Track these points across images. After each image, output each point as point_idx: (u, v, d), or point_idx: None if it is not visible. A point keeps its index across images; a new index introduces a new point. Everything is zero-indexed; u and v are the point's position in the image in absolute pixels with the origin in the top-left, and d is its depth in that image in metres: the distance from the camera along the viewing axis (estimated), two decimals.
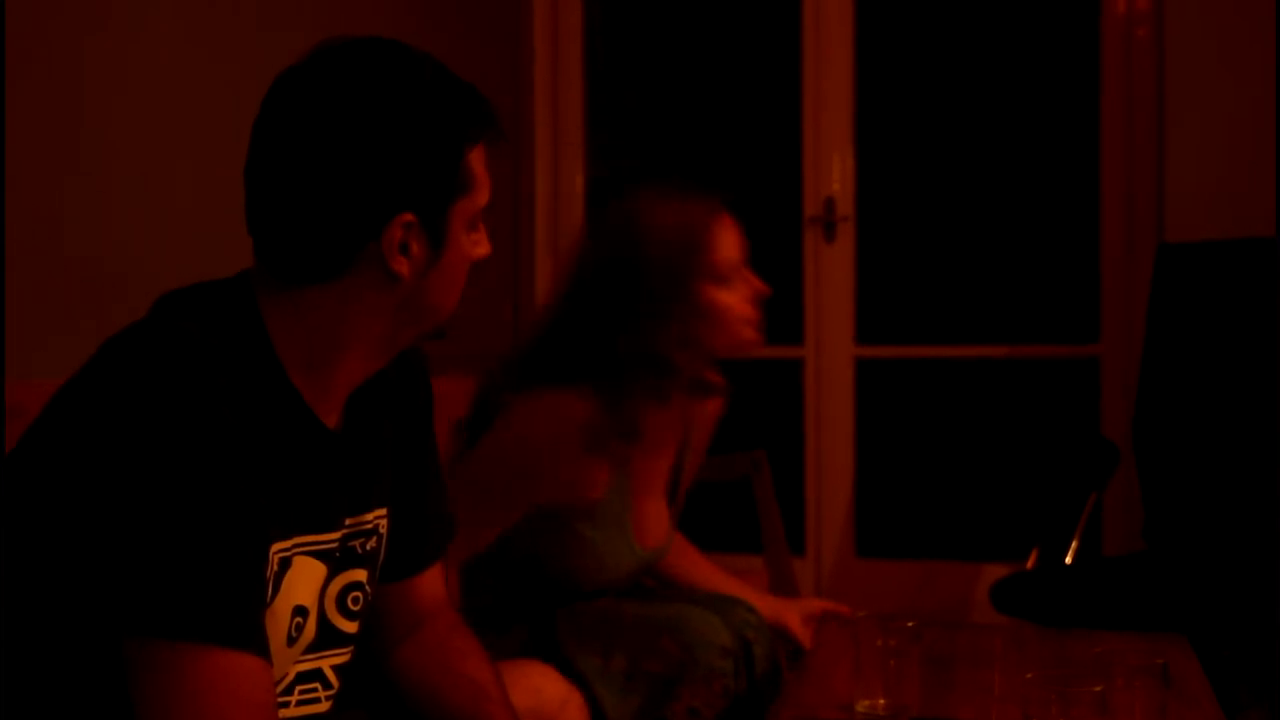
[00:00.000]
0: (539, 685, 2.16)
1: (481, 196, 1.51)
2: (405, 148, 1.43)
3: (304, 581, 1.52)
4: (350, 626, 1.63)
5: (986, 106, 4.44)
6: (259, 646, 1.37)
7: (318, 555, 1.54)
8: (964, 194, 4.50)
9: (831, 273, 4.49)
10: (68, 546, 1.34)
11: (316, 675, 1.60)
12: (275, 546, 1.47)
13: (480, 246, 1.55)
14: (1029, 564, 3.54)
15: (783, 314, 4.52)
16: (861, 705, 1.98)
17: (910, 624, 1.95)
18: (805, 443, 4.53)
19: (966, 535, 4.44)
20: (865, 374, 4.50)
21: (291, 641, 1.52)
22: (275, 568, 1.46)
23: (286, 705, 1.56)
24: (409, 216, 1.45)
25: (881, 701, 1.96)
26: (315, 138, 1.43)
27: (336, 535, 1.57)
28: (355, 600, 1.62)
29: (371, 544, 1.64)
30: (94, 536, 1.32)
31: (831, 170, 4.49)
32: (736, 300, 2.36)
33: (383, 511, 1.66)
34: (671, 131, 4.86)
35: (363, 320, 1.49)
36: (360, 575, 1.63)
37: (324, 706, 1.62)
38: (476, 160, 1.49)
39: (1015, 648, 2.40)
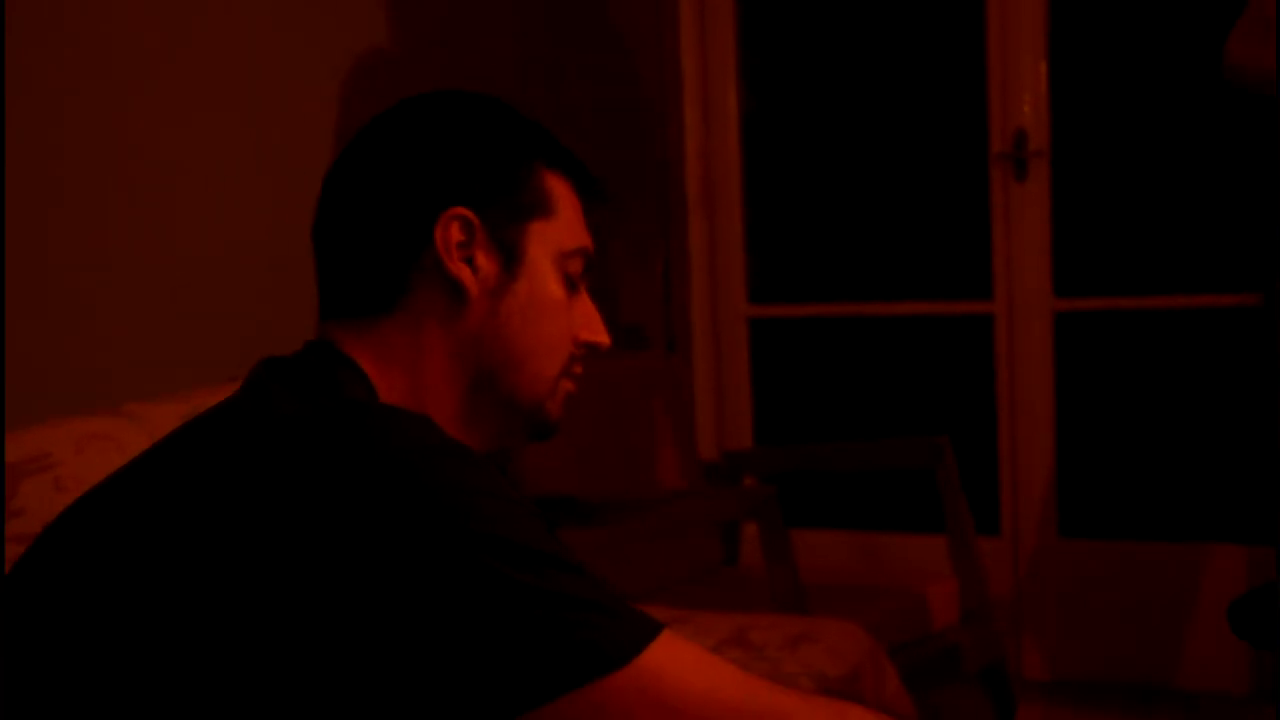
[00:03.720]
0: None
1: (570, 233, 1.46)
2: (461, 144, 1.43)
3: None
4: None
5: (1191, 21, 4.07)
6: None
7: None
8: (1171, 122, 4.20)
9: (1024, 216, 4.24)
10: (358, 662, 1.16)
11: None
12: None
13: (585, 318, 1.49)
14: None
15: (969, 264, 4.36)
16: None
17: None
18: (998, 409, 4.32)
19: (1186, 511, 4.19)
20: (1066, 330, 4.27)
21: None
22: None
23: None
24: (464, 211, 1.40)
25: None
26: (372, 151, 1.45)
27: None
28: None
29: None
30: (430, 620, 1.16)
31: (1022, 97, 4.23)
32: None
33: None
34: (835, 54, 4.62)
35: (439, 357, 1.41)
36: None
37: None
38: (557, 186, 1.46)
39: None
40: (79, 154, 2.75)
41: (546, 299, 1.43)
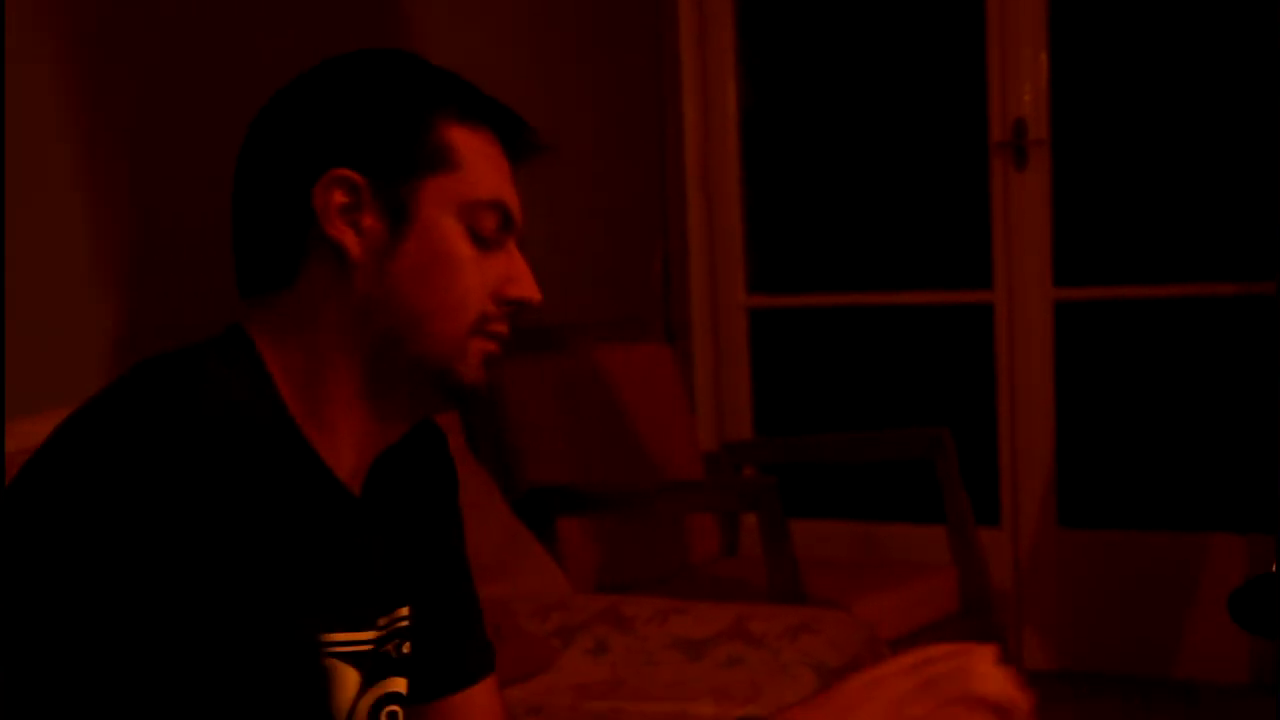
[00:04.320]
0: None
1: (478, 186, 1.36)
2: (345, 102, 1.35)
3: (337, 693, 1.34)
4: None
5: (1191, 8, 4.12)
6: None
7: (351, 660, 1.35)
8: (1170, 110, 4.20)
9: (1023, 205, 4.24)
10: (57, 671, 1.15)
11: None
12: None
13: (506, 273, 1.38)
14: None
15: (969, 254, 4.36)
16: None
17: None
18: (997, 398, 4.33)
19: (1187, 501, 4.20)
20: (1066, 319, 4.27)
21: None
22: None
23: None
24: (347, 173, 1.32)
25: None
26: (262, 119, 1.37)
27: (371, 635, 1.37)
28: (393, 718, 1.43)
29: (406, 647, 1.45)
30: (96, 657, 1.14)
31: (1022, 86, 4.23)
32: None
33: (405, 613, 1.45)
34: (834, 44, 4.62)
35: (333, 329, 1.34)
36: (399, 685, 1.44)
37: None
38: (463, 139, 1.36)
39: None
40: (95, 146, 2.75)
41: (444, 256, 1.34)
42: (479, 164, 1.36)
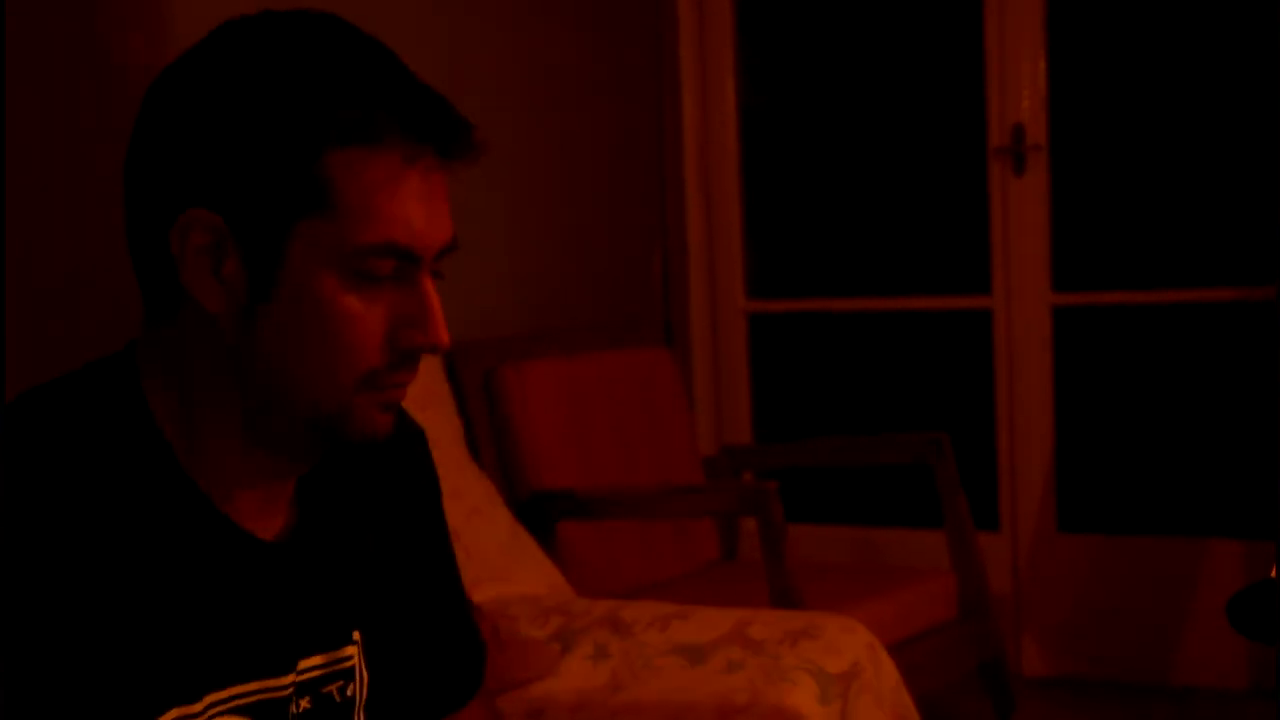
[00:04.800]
0: None
1: (367, 226, 1.16)
2: (210, 125, 1.16)
3: None
4: None
5: (1190, 13, 4.12)
6: None
7: (262, 709, 1.24)
8: (1169, 115, 4.19)
9: (1022, 210, 4.25)
10: None
11: None
12: (208, 699, 1.19)
13: (408, 317, 1.20)
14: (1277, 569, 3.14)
15: (968, 259, 4.37)
16: None
17: None
18: (996, 404, 4.32)
19: (1187, 506, 4.19)
20: (1064, 324, 4.27)
21: None
22: None
23: None
24: (204, 214, 1.15)
25: None
26: (137, 129, 1.21)
27: (288, 680, 1.26)
28: None
29: (351, 689, 1.32)
30: None
31: (1020, 92, 4.23)
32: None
33: (356, 639, 1.34)
34: (833, 49, 4.62)
35: (206, 375, 1.20)
36: None
37: None
38: (345, 171, 1.16)
39: None
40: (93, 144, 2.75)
41: (319, 314, 1.16)
42: (367, 200, 1.16)
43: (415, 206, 1.17)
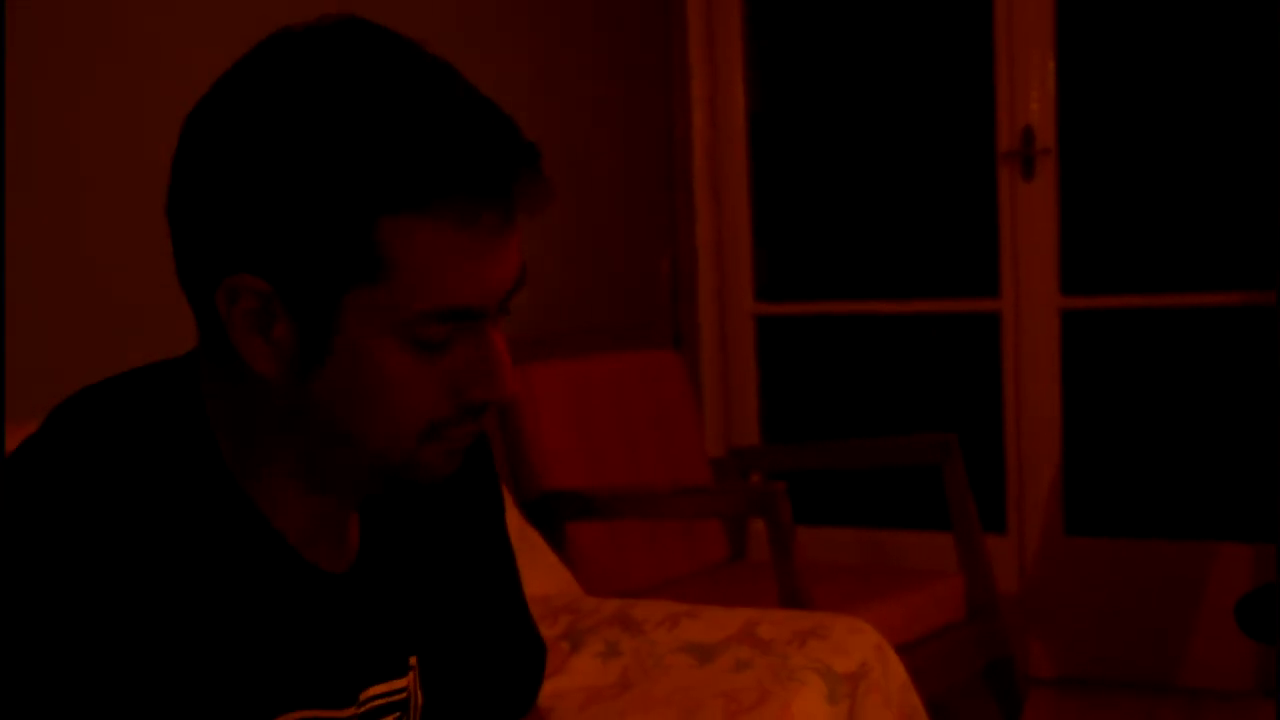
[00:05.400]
0: None
1: (422, 292, 1.10)
2: (251, 187, 1.08)
3: None
4: None
5: (1199, 18, 4.10)
6: None
7: None
8: (1179, 119, 4.19)
9: (1031, 214, 4.25)
10: None
11: None
12: None
13: (470, 375, 1.15)
14: None
15: (976, 262, 4.38)
16: None
17: None
18: (1004, 407, 4.33)
19: (1193, 510, 4.19)
20: (1072, 328, 4.27)
21: None
22: None
23: None
24: (250, 280, 1.10)
25: None
26: (180, 169, 1.14)
27: (348, 712, 1.23)
28: None
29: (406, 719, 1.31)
30: None
31: (1029, 95, 4.23)
32: None
33: (413, 664, 1.31)
34: (843, 52, 4.62)
35: (263, 420, 1.16)
36: None
37: None
38: (400, 238, 1.08)
39: None
40: (93, 150, 2.77)
41: (378, 376, 1.11)
42: (423, 268, 1.09)
43: (476, 267, 1.11)
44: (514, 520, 3.18)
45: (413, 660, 1.30)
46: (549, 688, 2.53)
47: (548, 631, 2.72)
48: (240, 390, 1.15)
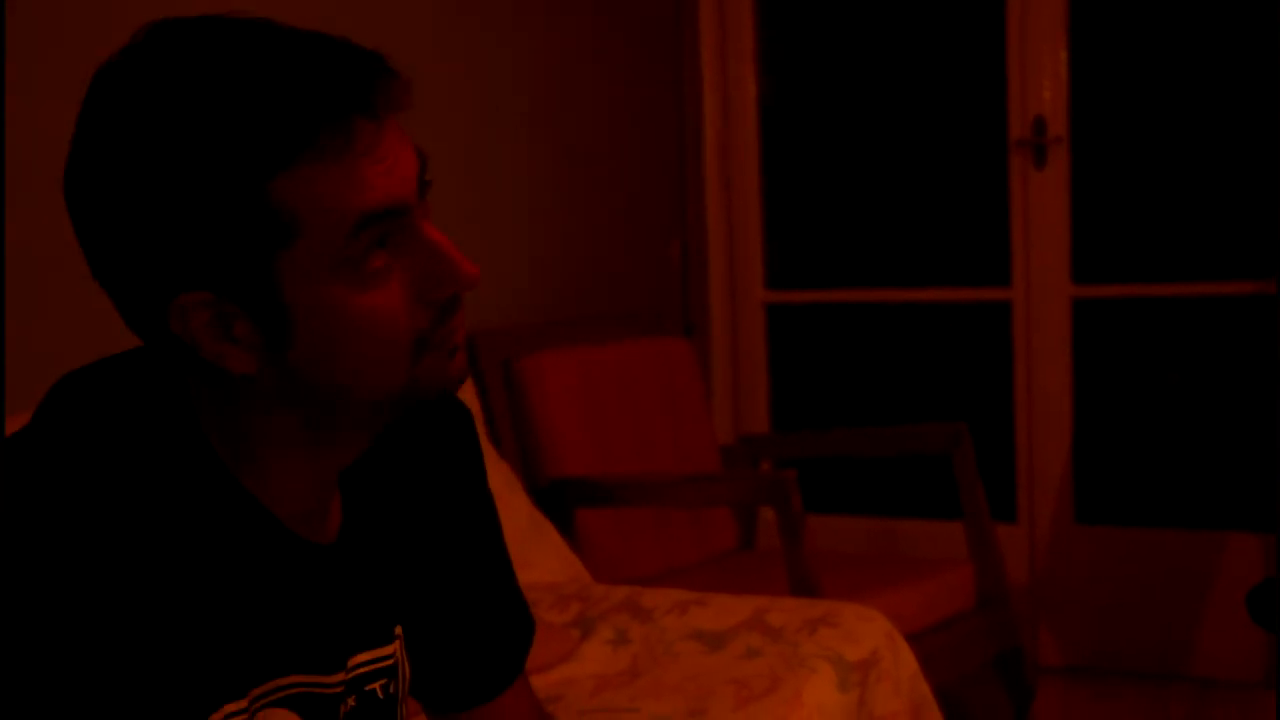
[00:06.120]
0: None
1: (337, 228, 1.10)
2: (139, 212, 1.09)
3: None
4: None
5: (1211, 6, 4.08)
6: None
7: (309, 704, 1.23)
8: (1191, 108, 4.18)
9: (1042, 203, 4.24)
10: None
11: None
12: (253, 692, 1.18)
13: (425, 275, 1.15)
14: None
15: (987, 251, 4.37)
16: None
17: None
18: (1015, 395, 4.33)
19: (1203, 499, 4.18)
20: (1084, 316, 4.26)
21: None
22: None
23: None
24: (192, 296, 1.11)
25: None
26: (75, 206, 1.13)
27: (338, 677, 1.25)
28: None
29: (394, 686, 1.32)
30: None
31: (1041, 84, 4.22)
32: None
33: (398, 634, 1.33)
34: (854, 40, 4.62)
35: (252, 403, 1.16)
36: None
37: None
38: (296, 191, 1.09)
39: None
40: None
41: (345, 324, 1.12)
42: (326, 205, 1.10)
43: (368, 178, 1.10)
44: (524, 507, 3.18)
45: (398, 630, 1.32)
46: (559, 674, 2.53)
47: (558, 618, 2.72)
48: (224, 386, 1.16)
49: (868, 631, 2.60)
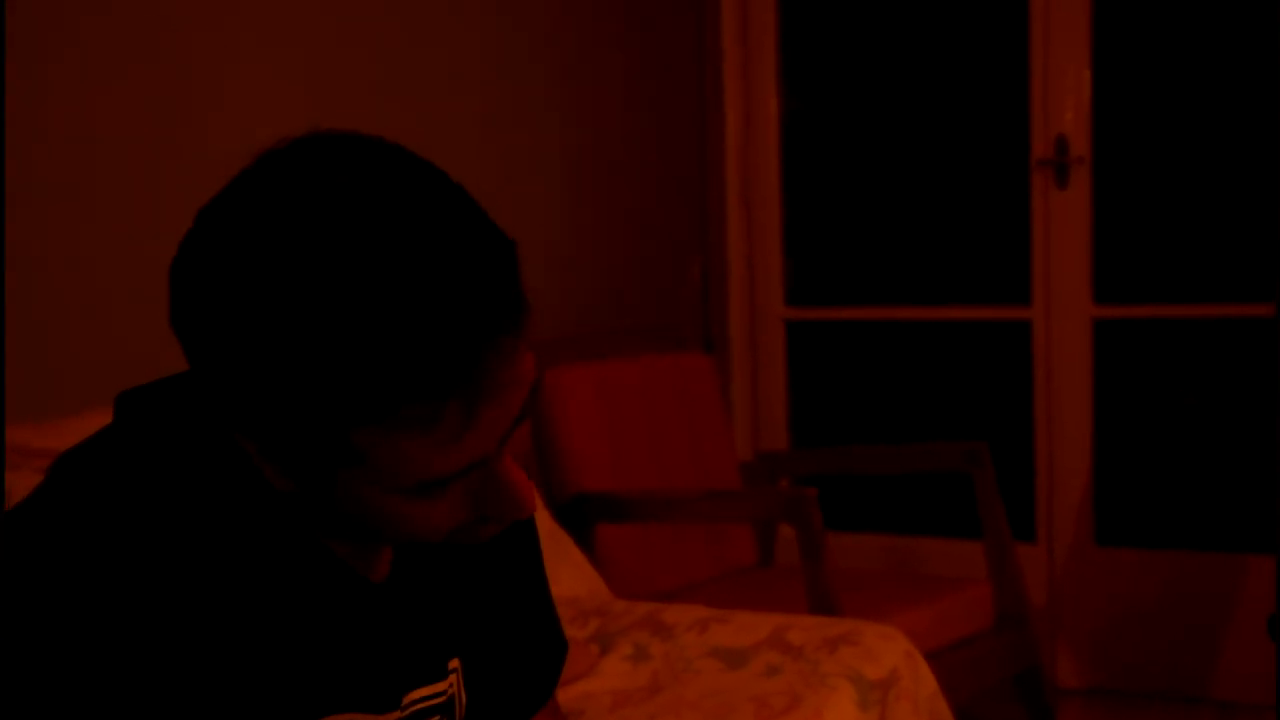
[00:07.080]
0: None
1: (405, 476, 1.08)
2: (240, 380, 1.06)
3: None
4: None
5: (1234, 28, 4.05)
6: None
7: None
8: (1213, 129, 4.17)
9: (1064, 222, 4.23)
10: None
11: None
12: None
13: (481, 499, 1.13)
14: None
15: (1008, 270, 4.36)
16: None
17: None
18: (1035, 415, 4.31)
19: (1224, 522, 4.16)
20: (1104, 336, 4.25)
21: None
22: None
23: None
24: (247, 441, 1.11)
25: None
26: (177, 306, 1.11)
27: (392, 716, 1.25)
28: None
29: None
30: None
31: (1064, 104, 4.21)
32: None
33: (454, 666, 1.33)
34: (876, 58, 4.61)
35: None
36: None
37: None
38: (381, 445, 1.06)
39: None
40: (92, 150, 2.78)
41: (388, 520, 1.12)
42: (405, 466, 1.07)
43: (452, 451, 1.07)
44: (544, 522, 3.18)
45: (454, 663, 1.32)
46: (578, 689, 2.53)
47: (578, 633, 2.72)
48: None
49: (888, 650, 2.60)
